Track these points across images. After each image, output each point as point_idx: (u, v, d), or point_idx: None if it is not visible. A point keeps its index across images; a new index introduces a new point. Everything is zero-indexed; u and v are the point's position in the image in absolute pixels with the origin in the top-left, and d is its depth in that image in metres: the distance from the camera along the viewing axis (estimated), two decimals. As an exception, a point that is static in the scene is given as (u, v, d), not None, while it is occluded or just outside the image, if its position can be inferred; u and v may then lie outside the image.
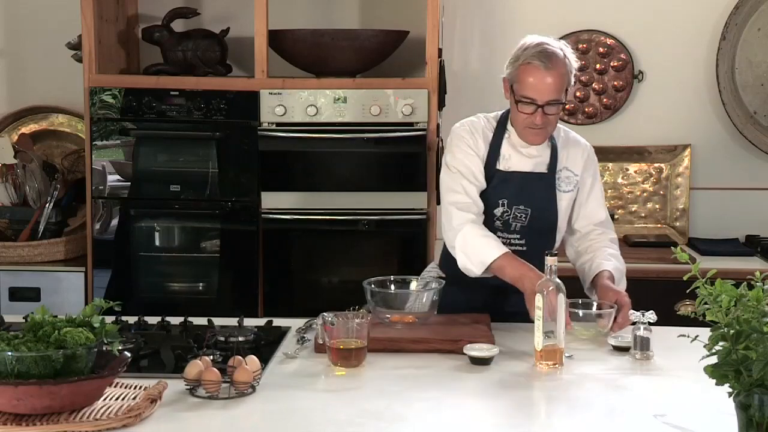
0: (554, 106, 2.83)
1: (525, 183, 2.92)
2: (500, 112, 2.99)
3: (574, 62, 2.87)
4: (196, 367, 2.22)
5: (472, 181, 2.89)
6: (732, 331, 1.78)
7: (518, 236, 2.94)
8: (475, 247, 2.81)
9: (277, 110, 3.82)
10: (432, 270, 3.12)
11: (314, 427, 2.08)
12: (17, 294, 3.91)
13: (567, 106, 2.76)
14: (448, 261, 2.99)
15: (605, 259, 2.91)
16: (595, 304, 2.76)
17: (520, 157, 2.94)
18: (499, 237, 2.88)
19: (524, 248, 2.93)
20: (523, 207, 2.92)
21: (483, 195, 2.92)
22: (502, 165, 2.94)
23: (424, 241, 3.83)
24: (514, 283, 2.74)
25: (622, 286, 2.89)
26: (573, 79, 2.88)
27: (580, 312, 2.69)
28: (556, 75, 2.79)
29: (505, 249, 2.80)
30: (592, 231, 3.01)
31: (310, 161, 3.90)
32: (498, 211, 2.92)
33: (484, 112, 3.02)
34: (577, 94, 4.31)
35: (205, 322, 2.82)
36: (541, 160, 2.95)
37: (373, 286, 2.78)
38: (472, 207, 2.87)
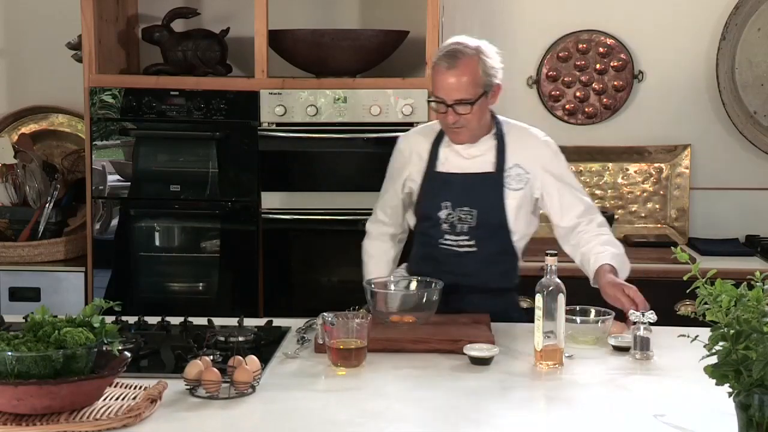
0: (464, 105, 2.84)
1: (467, 184, 2.94)
2: None
3: (495, 62, 2.88)
4: (196, 367, 2.22)
5: (387, 201, 3.11)
6: (732, 331, 1.79)
7: (467, 238, 2.94)
8: (365, 262, 3.14)
9: (277, 110, 3.82)
10: (399, 270, 3.13)
11: (314, 427, 2.08)
12: (17, 294, 3.91)
13: (485, 104, 2.82)
14: (416, 263, 3.06)
15: (599, 252, 2.89)
16: (593, 310, 2.75)
17: (459, 158, 2.96)
18: (447, 240, 2.94)
19: (474, 249, 2.95)
20: (468, 208, 2.93)
21: (426, 199, 2.98)
22: (441, 167, 2.97)
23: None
24: None
25: (624, 269, 2.90)
26: (495, 79, 2.88)
27: (578, 319, 2.69)
28: (461, 75, 2.82)
29: (377, 273, 3.03)
30: (577, 224, 2.98)
31: (310, 161, 3.90)
32: (443, 214, 2.94)
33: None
34: (577, 94, 4.31)
35: (205, 322, 2.82)
36: (484, 159, 2.95)
37: (372, 286, 2.78)
38: (380, 224, 3.14)
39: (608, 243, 2.94)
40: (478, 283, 2.94)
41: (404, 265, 3.16)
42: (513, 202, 2.94)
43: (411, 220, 3.09)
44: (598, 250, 2.90)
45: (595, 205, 3.08)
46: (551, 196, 2.97)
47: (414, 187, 3.03)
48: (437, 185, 2.96)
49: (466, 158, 2.95)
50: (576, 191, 3.01)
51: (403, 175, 3.05)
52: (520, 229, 2.98)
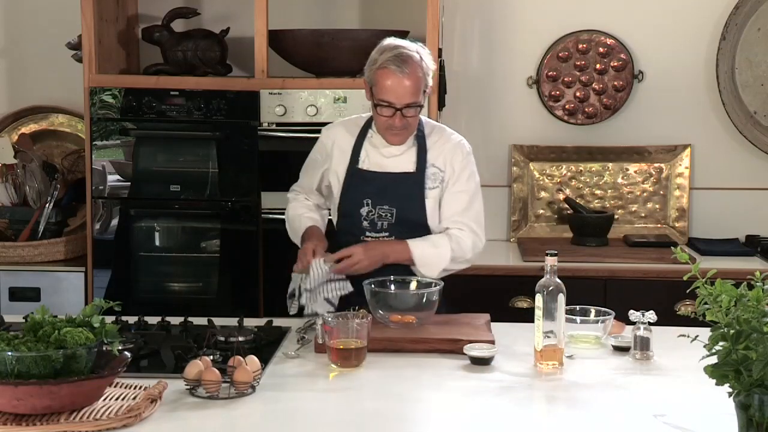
0: (412, 108, 2.89)
1: (388, 182, 2.97)
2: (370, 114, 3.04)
3: (431, 64, 2.93)
4: (196, 367, 2.22)
5: (304, 185, 3.15)
6: (732, 331, 1.79)
7: (387, 234, 2.97)
8: (291, 220, 3.13)
9: (277, 110, 3.82)
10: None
11: (314, 427, 2.08)
12: (17, 294, 3.90)
13: (426, 105, 2.87)
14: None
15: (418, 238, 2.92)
16: (593, 310, 2.75)
17: (381, 157, 3.00)
18: (368, 237, 2.97)
19: None
20: (388, 206, 2.97)
21: (348, 195, 3.00)
22: (363, 164, 3.01)
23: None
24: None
25: (423, 258, 2.90)
26: (430, 81, 2.94)
27: (578, 319, 2.69)
28: (412, 79, 2.86)
29: (310, 223, 3.04)
30: (447, 229, 2.99)
31: (310, 161, 3.89)
32: (363, 211, 2.98)
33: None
34: (577, 94, 4.31)
35: (205, 322, 2.82)
36: (405, 158, 2.99)
37: (373, 286, 2.78)
38: (301, 196, 3.17)
39: (428, 239, 2.94)
40: (402, 274, 2.91)
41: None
42: (430, 200, 2.98)
43: (333, 217, 3.11)
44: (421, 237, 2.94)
45: (473, 228, 2.99)
46: (453, 200, 2.99)
47: (334, 181, 3.05)
48: (359, 182, 3.00)
49: (387, 157, 3.00)
50: (462, 195, 2.99)
51: (323, 166, 3.08)
52: (435, 224, 3.00)
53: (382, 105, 2.89)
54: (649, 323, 2.56)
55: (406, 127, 2.93)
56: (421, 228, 2.98)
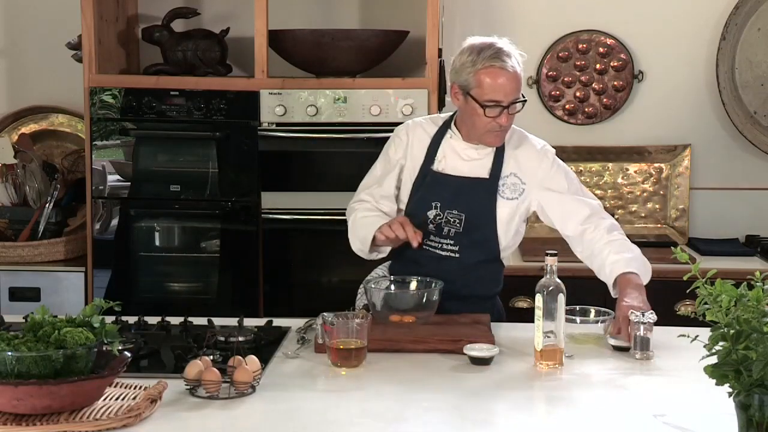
0: (518, 104, 2.80)
1: (460, 187, 2.87)
2: (451, 113, 2.96)
3: (519, 56, 2.84)
4: (196, 367, 2.22)
5: (380, 184, 2.96)
6: (732, 331, 1.79)
7: (452, 242, 2.88)
8: (359, 226, 2.88)
9: (277, 110, 3.82)
10: (380, 269, 3.07)
11: (314, 427, 2.08)
12: (17, 294, 3.91)
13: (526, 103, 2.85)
14: (397, 263, 2.98)
15: (614, 262, 2.78)
16: (593, 310, 2.74)
17: (458, 159, 2.90)
18: (431, 241, 2.87)
19: (457, 255, 2.88)
20: (457, 212, 2.86)
21: (417, 196, 2.90)
22: (437, 166, 2.91)
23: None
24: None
25: (644, 271, 2.78)
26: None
27: (578, 319, 2.69)
28: (516, 74, 2.77)
29: (385, 220, 2.83)
30: (584, 231, 2.89)
31: (310, 161, 3.90)
32: (431, 214, 2.88)
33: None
34: (577, 94, 4.31)
35: (205, 322, 2.82)
36: (481, 164, 2.89)
37: (373, 286, 2.78)
38: (371, 202, 2.95)
39: (622, 247, 2.82)
40: (458, 289, 2.84)
41: (387, 263, 3.08)
42: (504, 210, 2.88)
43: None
44: (612, 258, 2.79)
45: (602, 204, 2.98)
46: (551, 207, 2.91)
47: (406, 180, 2.96)
48: (430, 184, 2.90)
49: (465, 160, 2.90)
50: (577, 196, 2.92)
51: (402, 163, 2.96)
52: (508, 239, 2.92)
53: (489, 105, 2.76)
54: (650, 323, 2.55)
55: (509, 126, 2.84)
56: (488, 240, 2.86)
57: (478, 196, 2.87)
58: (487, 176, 2.89)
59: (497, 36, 2.85)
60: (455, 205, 2.86)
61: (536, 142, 2.97)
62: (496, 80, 2.75)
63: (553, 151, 2.98)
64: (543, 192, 2.91)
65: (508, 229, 2.91)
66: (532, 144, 2.96)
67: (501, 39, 2.84)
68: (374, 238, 2.83)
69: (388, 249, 2.90)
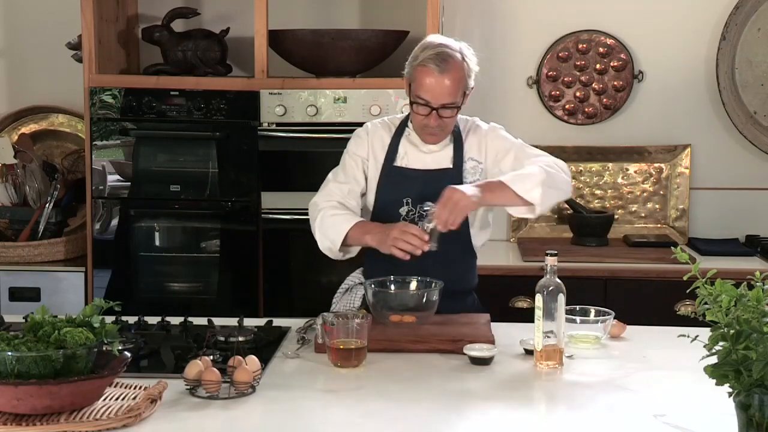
0: (449, 109, 2.82)
1: (427, 180, 2.89)
2: (407, 114, 2.98)
3: (474, 66, 2.86)
4: (196, 367, 2.22)
5: (348, 180, 2.93)
6: (732, 331, 1.79)
7: (426, 237, 2.84)
8: (329, 224, 2.84)
9: (277, 110, 3.82)
10: (355, 276, 3.07)
11: (314, 427, 2.08)
12: (17, 294, 3.91)
13: (463, 106, 2.81)
14: (371, 263, 2.96)
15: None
16: (593, 310, 2.75)
17: (419, 153, 2.93)
18: None
19: (435, 249, 2.85)
20: (431, 204, 2.84)
21: (385, 194, 2.91)
22: (400, 162, 2.93)
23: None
24: (376, 246, 2.75)
25: (519, 182, 2.75)
26: (472, 83, 2.87)
27: (578, 319, 2.69)
28: (451, 79, 2.79)
29: (358, 219, 2.81)
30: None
31: (310, 161, 3.90)
32: (403, 211, 2.91)
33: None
34: (577, 94, 4.31)
35: (205, 322, 2.82)
36: (443, 154, 2.93)
37: (373, 286, 2.78)
38: (337, 199, 2.91)
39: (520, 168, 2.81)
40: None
41: (360, 269, 3.07)
42: None
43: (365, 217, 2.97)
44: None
45: (547, 154, 2.94)
46: (505, 163, 2.90)
47: (369, 177, 2.96)
48: (397, 180, 2.92)
49: (426, 153, 2.93)
50: (518, 154, 2.90)
51: (364, 160, 2.96)
52: (477, 225, 2.95)
53: (419, 103, 2.82)
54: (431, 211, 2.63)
55: (442, 128, 2.86)
56: (464, 228, 2.85)
57: (446, 185, 2.83)
58: (451, 165, 2.92)
59: (458, 38, 2.90)
60: (426, 199, 2.88)
61: (481, 124, 3.00)
62: (426, 80, 2.80)
63: (501, 127, 3.01)
64: (498, 165, 2.92)
65: (475, 213, 2.91)
66: (480, 126, 2.99)
67: (459, 42, 2.87)
68: (346, 239, 2.82)
69: (358, 249, 2.91)
